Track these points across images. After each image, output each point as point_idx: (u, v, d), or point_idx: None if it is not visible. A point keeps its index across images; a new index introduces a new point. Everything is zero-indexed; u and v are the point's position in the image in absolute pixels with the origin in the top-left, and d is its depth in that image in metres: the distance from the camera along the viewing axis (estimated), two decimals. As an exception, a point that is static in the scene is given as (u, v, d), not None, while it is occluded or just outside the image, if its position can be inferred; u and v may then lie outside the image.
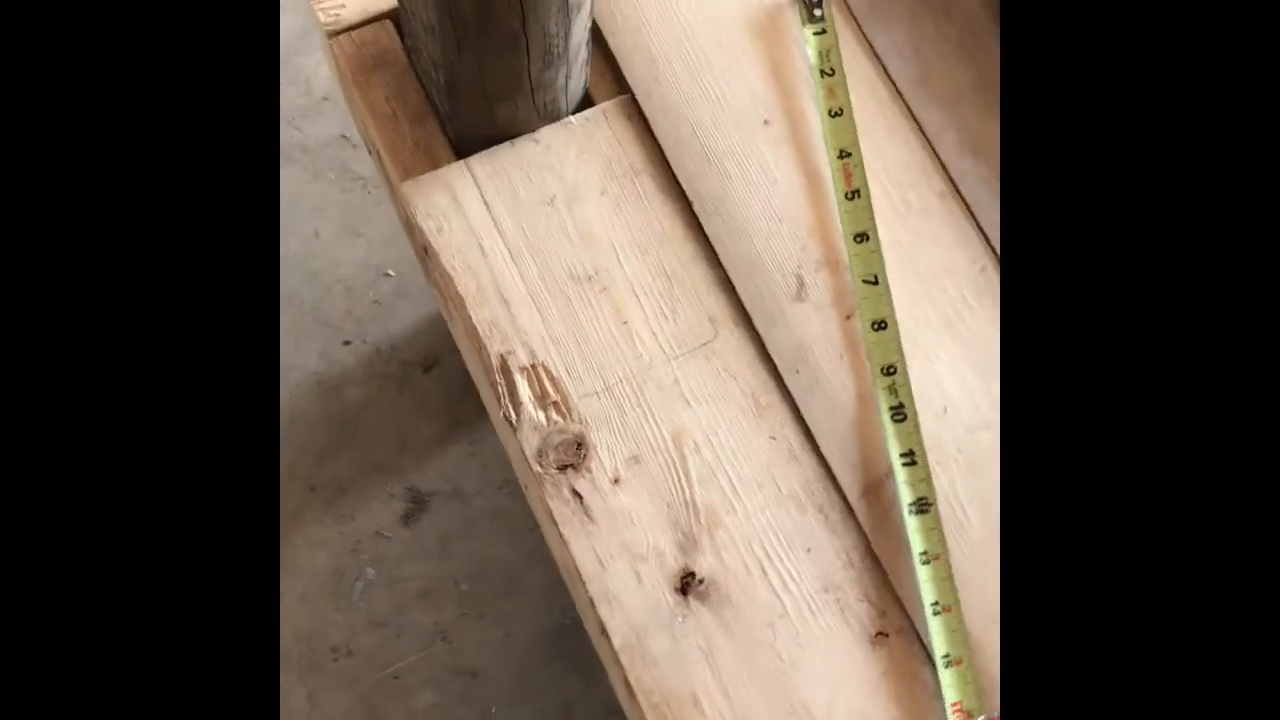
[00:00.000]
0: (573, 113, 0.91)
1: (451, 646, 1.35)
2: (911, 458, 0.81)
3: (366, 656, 1.34)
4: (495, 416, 0.86)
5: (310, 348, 1.45)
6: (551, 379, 0.83)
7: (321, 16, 0.94)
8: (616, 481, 0.81)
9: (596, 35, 0.93)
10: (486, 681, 1.33)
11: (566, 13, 0.78)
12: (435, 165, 0.90)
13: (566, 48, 0.82)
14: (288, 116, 1.53)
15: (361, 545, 1.38)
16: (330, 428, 1.42)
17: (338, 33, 0.94)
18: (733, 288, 0.86)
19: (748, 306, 0.86)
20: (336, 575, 1.37)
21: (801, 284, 0.87)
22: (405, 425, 1.44)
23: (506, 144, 0.89)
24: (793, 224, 0.88)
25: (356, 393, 1.44)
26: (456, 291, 0.85)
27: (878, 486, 0.82)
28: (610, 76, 0.93)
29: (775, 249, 0.87)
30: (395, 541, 1.39)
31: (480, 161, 0.88)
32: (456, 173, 0.88)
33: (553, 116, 0.89)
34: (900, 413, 0.82)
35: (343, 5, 0.94)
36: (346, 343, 1.46)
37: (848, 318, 0.86)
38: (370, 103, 0.92)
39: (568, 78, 0.86)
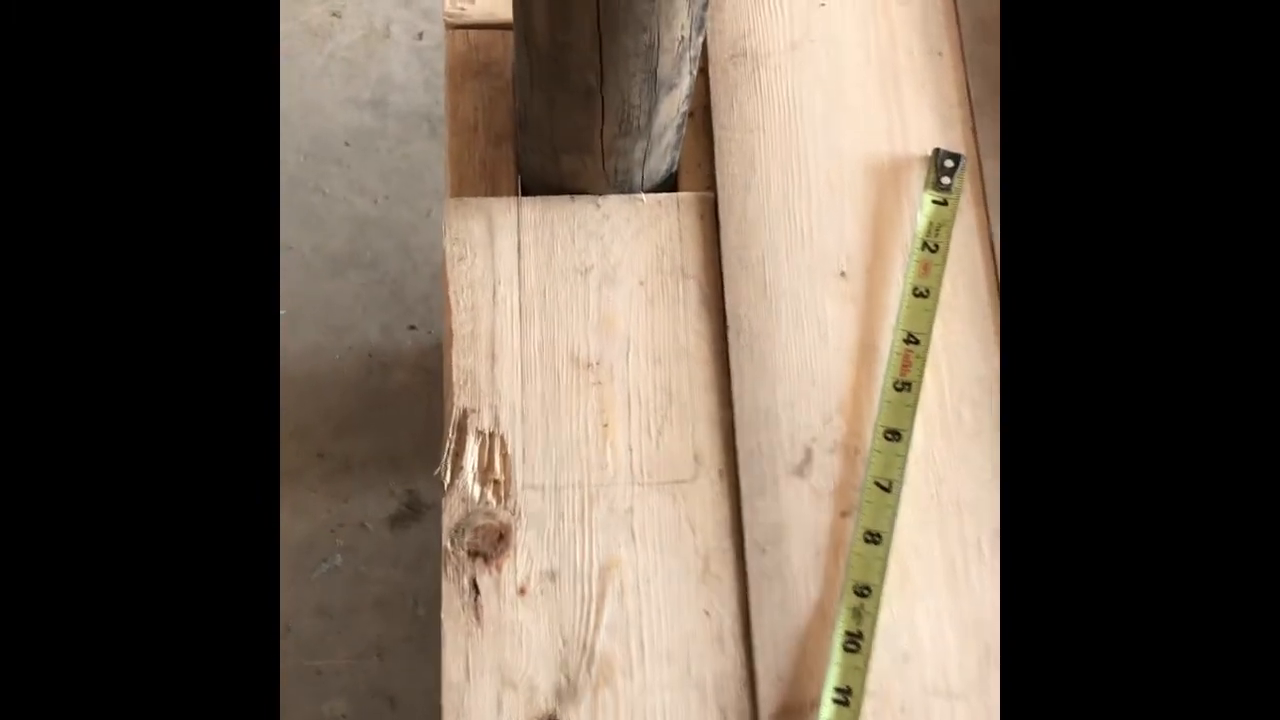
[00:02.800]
0: (647, 190, 0.83)
1: (383, 665, 1.28)
2: (846, 697, 0.70)
3: (299, 640, 1.29)
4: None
5: (375, 319, 1.42)
6: (504, 455, 0.76)
7: (448, 4, 0.89)
8: (522, 592, 0.73)
9: (706, 123, 0.85)
10: (402, 713, 1.26)
11: (654, 88, 0.70)
12: (492, 192, 0.84)
13: (650, 123, 0.74)
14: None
15: (342, 530, 1.34)
16: (361, 402, 1.39)
17: (458, 27, 0.89)
18: (733, 433, 0.77)
19: (741, 460, 0.76)
20: (306, 548, 1.33)
21: (809, 459, 0.76)
22: (432, 429, 1.38)
23: (566, 197, 0.82)
24: (825, 391, 0.78)
25: (401, 378, 1.40)
26: (450, 327, 0.79)
27: (797, 713, 0.71)
28: (706, 170, 0.85)
29: (796, 411, 0.77)
30: (375, 538, 1.34)
31: (532, 206, 0.82)
32: (503, 207, 0.82)
33: (624, 187, 0.82)
34: (855, 642, 0.71)
35: (472, 1, 0.89)
36: (412, 327, 1.42)
37: (843, 514, 0.75)
38: (457, 106, 0.86)
39: (646, 153, 0.78)
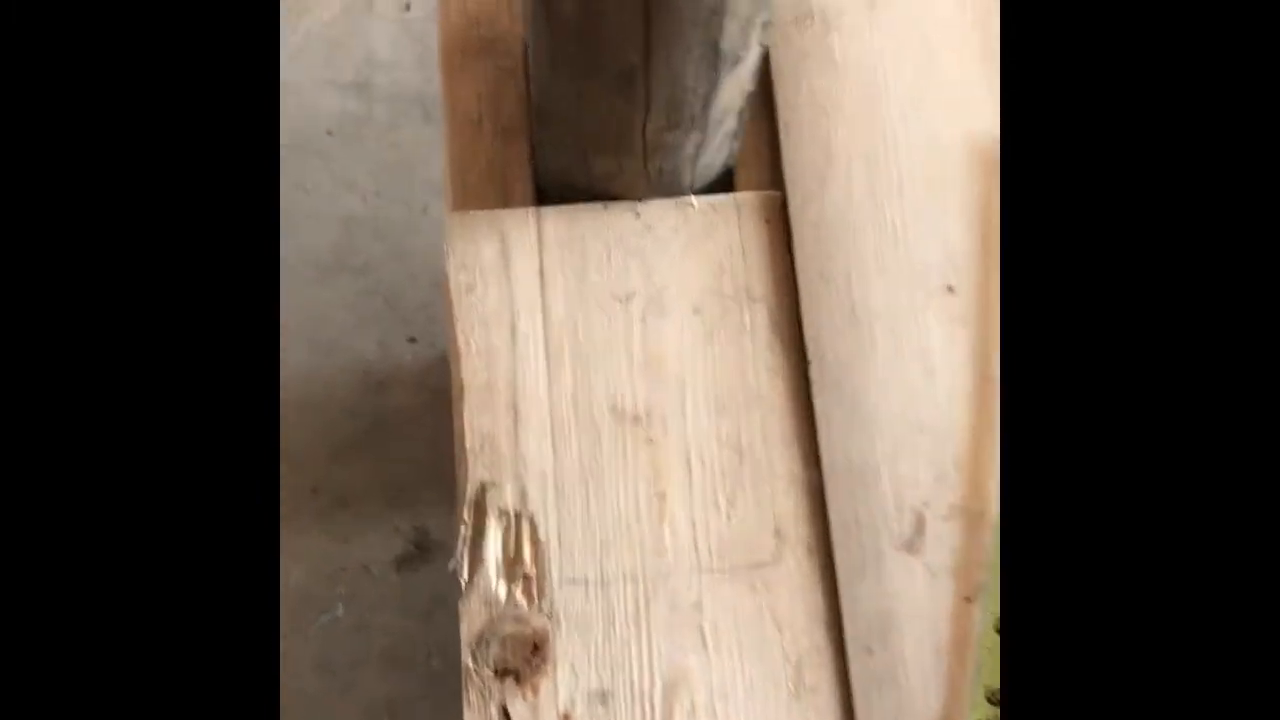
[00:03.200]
0: (698, 191, 0.67)
1: (395, 728, 1.13)
2: (987, 842, 0.54)
3: (296, 701, 1.14)
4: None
5: (371, 332, 1.25)
6: (535, 542, 0.60)
7: (438, -32, 0.72)
8: None
9: (766, 102, 0.69)
10: (419, 783, 1.12)
11: (714, 63, 0.53)
12: (504, 201, 0.67)
13: (707, 110, 0.57)
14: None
15: (343, 575, 1.18)
16: (357, 426, 1.23)
17: (451, -5, 0.72)
18: (823, 500, 0.61)
19: (834, 534, 0.60)
20: (303, 599, 1.17)
21: (920, 528, 0.60)
22: (439, 455, 1.22)
23: (598, 205, 0.66)
24: (938, 440, 0.62)
25: (400, 398, 1.24)
26: (460, 376, 0.63)
27: None
28: (766, 159, 0.69)
29: (902, 467, 0.61)
30: (381, 584, 1.18)
31: (556, 217, 0.65)
32: (519, 221, 0.65)
33: (668, 189, 0.65)
34: (994, 768, 0.55)
35: (468, -38, 0.72)
36: (411, 340, 1.26)
37: (967, 599, 0.59)
38: (456, 96, 0.70)
39: (700, 147, 0.62)
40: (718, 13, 0.49)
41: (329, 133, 1.32)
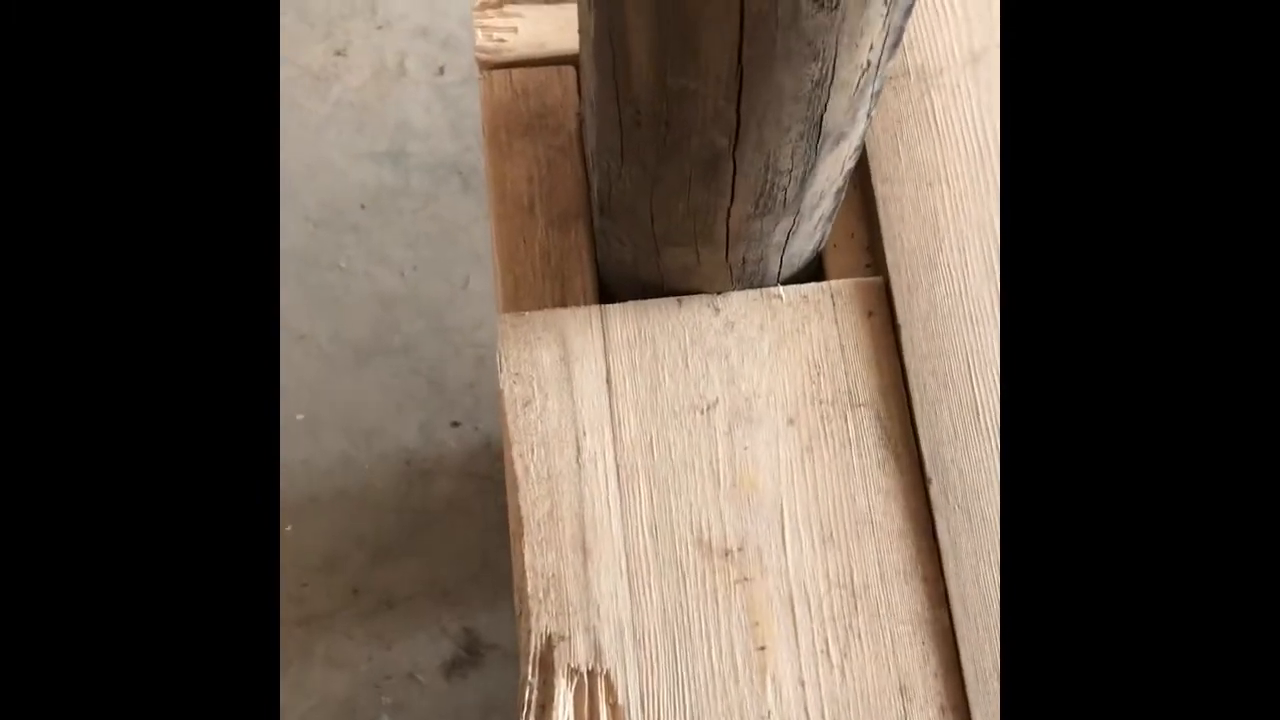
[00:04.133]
0: (785, 280, 0.58)
1: None
2: None
3: (344, 828, 1.04)
4: (515, 721, 0.54)
5: (412, 416, 1.17)
6: (613, 706, 0.50)
7: (479, 36, 0.64)
8: None
9: (860, 174, 0.60)
10: None
11: (815, 143, 0.45)
12: (561, 299, 0.59)
13: (801, 193, 0.49)
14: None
15: (388, 683, 1.09)
16: (402, 523, 1.14)
17: (496, 66, 0.64)
18: (956, 648, 0.51)
19: (970, 688, 0.50)
20: (347, 710, 1.08)
21: (1073, 679, 0.50)
22: (491, 550, 1.14)
23: (671, 300, 0.57)
24: (1087, 571, 0.52)
25: (446, 488, 1.15)
26: (518, 506, 0.54)
27: None
28: (862, 239, 0.60)
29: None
30: (428, 691, 1.09)
31: (623, 316, 0.57)
32: (581, 322, 0.57)
33: (752, 280, 0.57)
34: None
35: (514, 29, 0.64)
36: (455, 424, 1.18)
37: (1137, 766, 0.49)
38: (504, 178, 0.61)
39: (790, 234, 0.53)
40: (822, 85, 0.40)
41: (363, 206, 1.25)
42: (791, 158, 0.45)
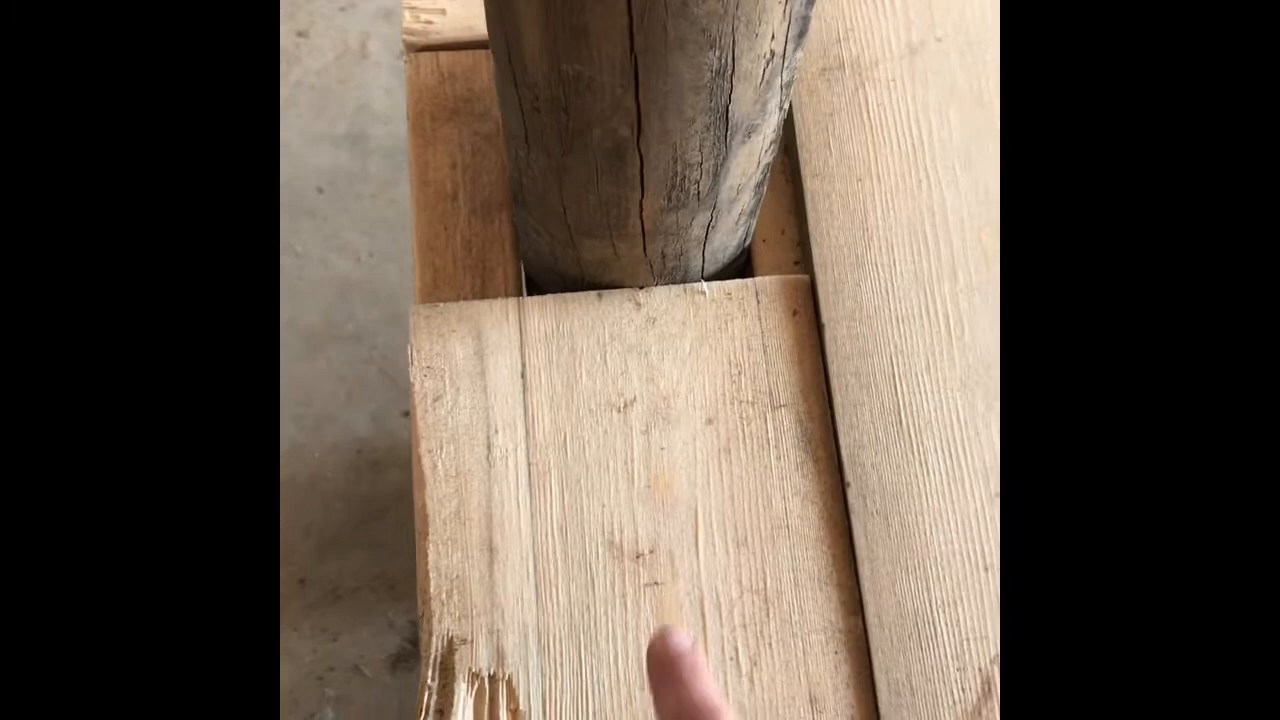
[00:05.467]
0: (710, 276, 0.56)
1: None
2: None
3: (282, 822, 1.03)
4: (417, 725, 0.52)
5: (364, 405, 1.15)
6: (514, 713, 0.49)
7: (407, 17, 0.63)
8: None
9: (790, 168, 0.58)
10: None
11: (723, 134, 0.43)
12: (482, 291, 0.57)
13: (716, 187, 0.47)
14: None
15: (332, 675, 1.08)
16: (350, 513, 1.12)
17: (423, 48, 0.62)
18: (869, 657, 0.50)
19: (883, 700, 0.49)
20: (290, 701, 1.07)
21: (988, 691, 0.49)
22: (438, 541, 1.12)
23: (591, 294, 0.55)
24: (1006, 581, 0.50)
25: (396, 479, 1.14)
26: (423, 505, 0.52)
27: None
28: (791, 235, 0.58)
29: (964, 615, 0.50)
30: (373, 685, 1.08)
31: (541, 309, 0.55)
32: (497, 314, 0.55)
33: (674, 275, 0.55)
34: None
35: (442, 11, 0.62)
36: (407, 414, 1.16)
37: (1050, 783, 0.48)
38: (426, 165, 0.60)
39: (710, 229, 0.51)
40: (723, 75, 0.39)
41: (320, 190, 1.23)
42: (700, 150, 0.44)
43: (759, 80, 0.41)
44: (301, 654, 1.08)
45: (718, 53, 0.38)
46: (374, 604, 1.10)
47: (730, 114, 0.42)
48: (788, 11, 0.38)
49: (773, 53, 0.39)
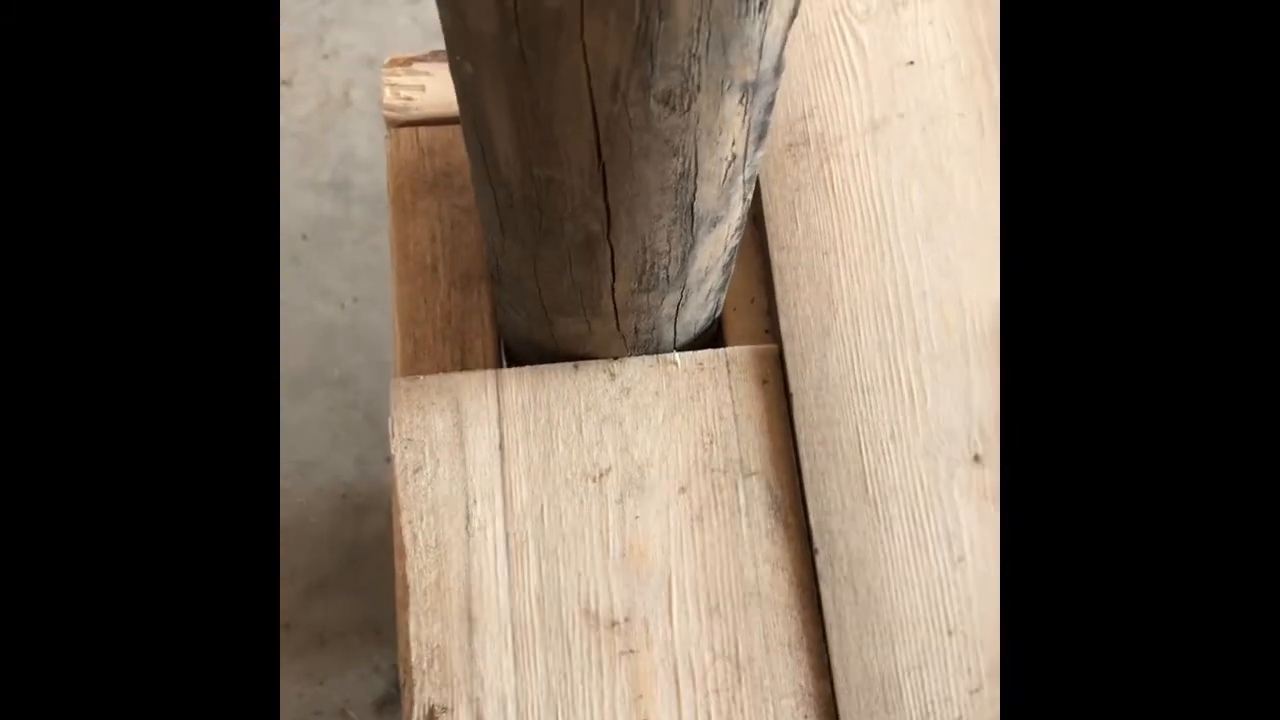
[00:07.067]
0: (683, 347, 0.58)
1: None
2: None
3: None
4: (400, 791, 0.54)
5: (348, 450, 1.17)
6: (494, 780, 0.50)
7: (388, 94, 0.65)
8: None
9: (759, 240, 0.60)
10: None
11: (689, 226, 0.45)
12: (461, 362, 0.59)
13: (685, 270, 0.49)
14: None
15: (318, 719, 1.08)
16: (334, 558, 1.14)
17: (403, 124, 0.64)
18: (837, 714, 0.51)
19: (850, 762, 0.51)
20: (275, 747, 1.07)
21: (952, 753, 0.51)
22: (423, 585, 1.13)
23: (567, 365, 0.57)
24: (970, 644, 0.52)
25: (379, 525, 1.15)
26: (404, 575, 0.54)
27: None
28: (763, 305, 0.60)
29: (929, 679, 0.52)
30: (359, 729, 1.08)
31: (519, 381, 0.57)
32: (476, 387, 0.57)
33: (647, 347, 0.57)
34: None
35: (421, 88, 0.64)
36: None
37: (1013, 842, 0.49)
38: (407, 238, 0.62)
39: (680, 306, 0.53)
40: (687, 177, 0.41)
41: (304, 237, 1.25)
42: (668, 240, 0.45)
43: (722, 179, 0.43)
44: (288, 698, 1.09)
45: (681, 159, 0.40)
46: (359, 648, 1.11)
47: (695, 209, 0.44)
48: (747, 120, 0.40)
49: (734, 155, 0.41)
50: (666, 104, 0.36)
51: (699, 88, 0.36)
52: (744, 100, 0.38)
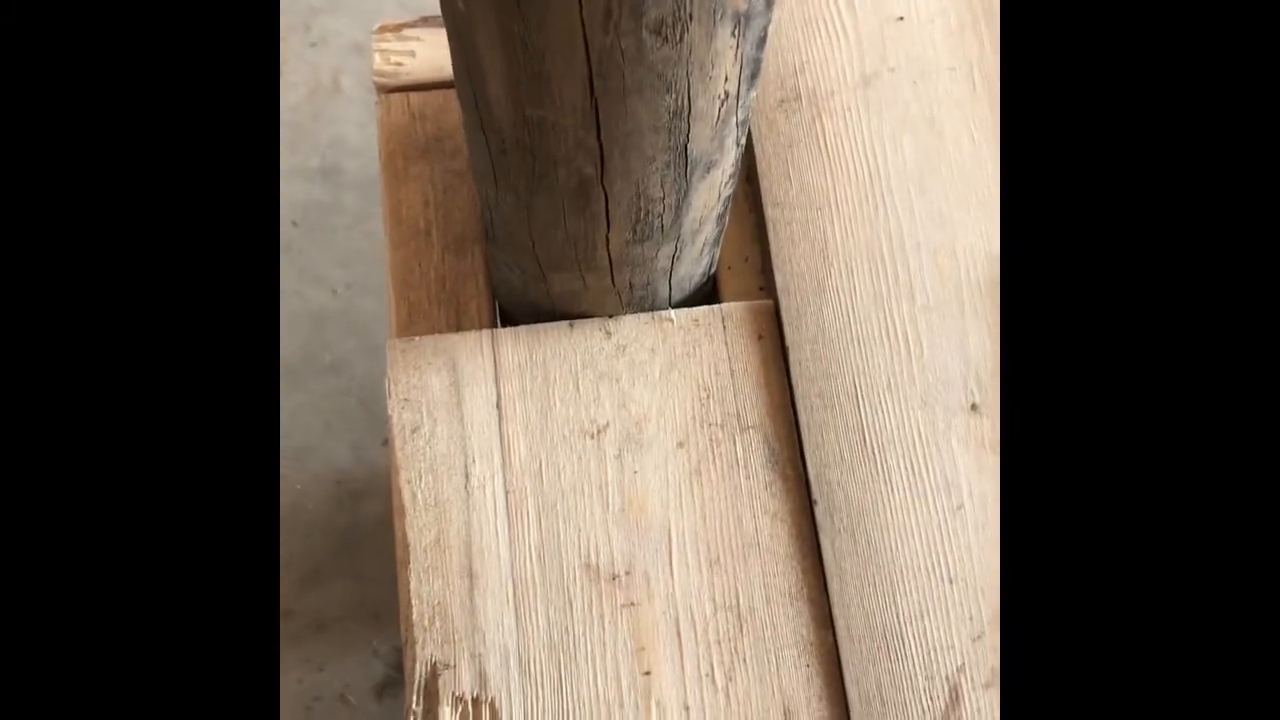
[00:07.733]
0: (678, 303, 0.58)
1: None
2: None
3: None
4: (403, 750, 0.54)
5: (343, 436, 1.16)
6: (497, 734, 0.50)
7: (378, 60, 0.64)
8: None
9: (753, 197, 0.60)
10: None
11: (683, 170, 0.45)
12: (456, 324, 0.59)
13: (679, 220, 0.49)
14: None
15: (318, 705, 1.08)
16: (331, 544, 1.13)
17: (394, 89, 0.64)
18: (840, 669, 0.51)
19: (854, 710, 0.51)
20: (275, 733, 1.07)
21: (956, 699, 0.51)
22: (420, 569, 1.12)
23: (563, 324, 0.57)
24: (971, 592, 0.52)
25: (375, 510, 1.15)
26: (404, 534, 0.54)
27: None
28: (756, 263, 0.60)
29: (931, 627, 0.52)
30: (359, 713, 1.08)
31: (514, 340, 0.57)
32: (472, 346, 0.56)
33: (643, 303, 0.57)
34: None
35: (411, 53, 0.64)
36: (387, 443, 1.17)
37: (1017, 786, 0.49)
38: (399, 203, 0.61)
39: (675, 259, 0.53)
40: (680, 115, 0.41)
41: (294, 224, 1.24)
42: (662, 185, 0.45)
43: (715, 119, 0.43)
44: (287, 685, 1.09)
45: (674, 96, 0.40)
46: (358, 633, 1.11)
47: (689, 151, 0.44)
48: (739, 55, 0.40)
49: (727, 93, 0.41)
50: (659, 34, 0.36)
51: (691, 16, 0.36)
52: (736, 31, 0.38)
